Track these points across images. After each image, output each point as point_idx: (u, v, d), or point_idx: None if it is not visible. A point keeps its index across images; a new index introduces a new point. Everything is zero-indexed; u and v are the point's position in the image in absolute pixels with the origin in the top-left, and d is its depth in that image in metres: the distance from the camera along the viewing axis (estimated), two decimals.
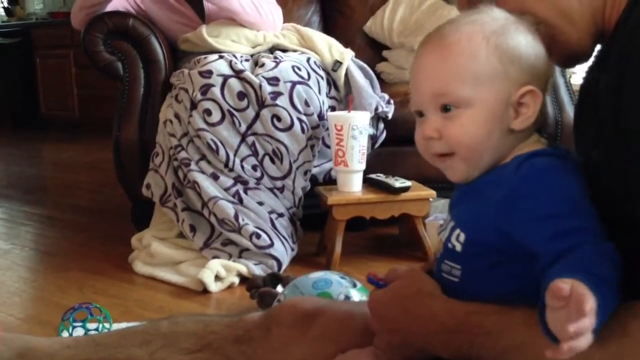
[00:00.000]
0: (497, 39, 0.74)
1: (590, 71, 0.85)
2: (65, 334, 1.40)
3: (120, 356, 1.04)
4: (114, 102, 2.27)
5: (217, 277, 1.81)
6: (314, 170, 2.04)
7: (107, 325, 1.45)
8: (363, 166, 1.94)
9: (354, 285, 1.22)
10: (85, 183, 3.41)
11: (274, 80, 1.93)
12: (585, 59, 0.83)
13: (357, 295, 1.19)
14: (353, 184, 1.94)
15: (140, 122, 2.15)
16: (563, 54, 0.80)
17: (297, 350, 0.95)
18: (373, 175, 1.98)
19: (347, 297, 1.18)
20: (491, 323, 0.73)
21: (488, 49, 0.74)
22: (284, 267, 1.87)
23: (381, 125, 2.13)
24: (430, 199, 1.95)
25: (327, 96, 2.05)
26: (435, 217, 2.03)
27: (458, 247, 0.77)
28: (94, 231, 2.46)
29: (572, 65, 0.85)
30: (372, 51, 2.59)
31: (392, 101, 2.16)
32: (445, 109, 0.75)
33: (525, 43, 0.75)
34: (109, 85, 3.16)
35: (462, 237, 0.76)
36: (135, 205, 2.23)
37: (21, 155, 4.38)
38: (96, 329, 1.42)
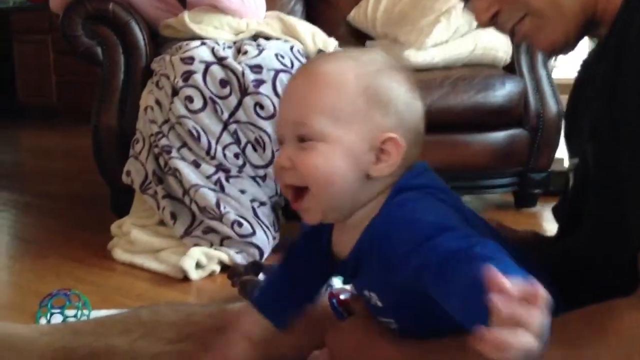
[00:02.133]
0: (369, 80, 0.72)
1: (586, 65, 0.85)
2: (43, 320, 1.38)
3: (99, 344, 1.03)
4: (93, 89, 2.24)
5: (198, 265, 1.80)
6: None
7: (85, 312, 1.43)
8: None
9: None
10: (62, 170, 3.36)
11: (256, 68, 1.92)
12: (570, 49, 0.83)
13: (339, 282, 1.19)
14: None
15: (120, 108, 2.12)
16: (548, 44, 0.80)
17: (279, 342, 0.95)
18: None
19: (329, 285, 1.18)
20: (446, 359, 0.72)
21: (357, 88, 0.71)
22: (265, 255, 1.86)
23: None
24: None
25: None
26: None
27: (379, 304, 0.77)
28: (72, 218, 2.43)
29: (556, 54, 0.85)
30: (356, 41, 2.58)
31: None
32: (302, 139, 0.72)
33: (398, 91, 0.73)
34: (88, 71, 3.12)
35: (375, 297, 0.76)
36: (114, 192, 2.21)
37: None
38: (75, 316, 1.40)
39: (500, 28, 0.83)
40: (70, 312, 1.42)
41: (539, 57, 2.22)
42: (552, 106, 2.24)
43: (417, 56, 2.32)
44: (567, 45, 0.81)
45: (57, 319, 1.39)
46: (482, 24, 0.82)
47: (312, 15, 2.63)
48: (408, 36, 2.37)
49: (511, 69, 2.26)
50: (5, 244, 2.21)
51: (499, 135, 2.20)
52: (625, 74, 0.68)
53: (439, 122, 1.84)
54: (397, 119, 0.72)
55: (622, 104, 0.68)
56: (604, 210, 0.73)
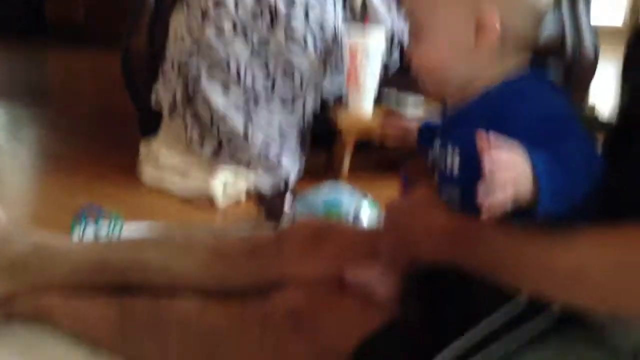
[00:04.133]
0: None
1: None
2: (77, 231, 1.43)
3: (134, 259, 1.07)
4: (121, 10, 2.22)
5: (225, 188, 1.83)
6: (326, 91, 2.03)
7: (118, 225, 1.47)
8: (374, 88, 1.93)
9: (364, 198, 1.23)
10: (90, 90, 3.39)
11: None
12: None
13: (367, 208, 1.21)
14: (364, 106, 1.93)
15: (150, 31, 2.11)
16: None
17: (311, 263, 0.97)
18: (385, 99, 1.97)
19: (357, 217, 1.20)
20: (487, 234, 0.74)
21: None
22: (291, 180, 1.89)
23: (396, 51, 2.10)
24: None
25: (342, 15, 2.01)
26: None
27: (455, 170, 0.78)
28: (100, 137, 2.46)
29: None
30: None
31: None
32: (414, 34, 0.77)
33: None
34: None
35: (457, 157, 0.78)
36: (142, 114, 2.22)
37: (26, 60, 4.32)
38: (109, 227, 1.45)
39: None
40: (103, 224, 1.47)
41: None
42: (589, 45, 2.19)
43: None
44: None
45: (90, 230, 1.44)
46: None
47: None
48: None
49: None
50: (34, 160, 2.26)
51: None
52: None
53: None
54: None
55: None
56: None
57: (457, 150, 0.78)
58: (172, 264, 1.06)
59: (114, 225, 1.45)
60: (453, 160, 0.79)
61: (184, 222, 1.59)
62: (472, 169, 0.75)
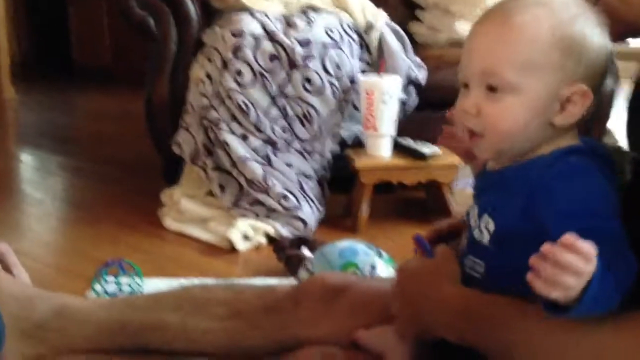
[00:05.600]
0: (564, 29, 0.71)
1: None
2: (98, 287, 1.45)
3: (153, 319, 1.08)
4: (147, 53, 2.26)
5: (245, 237, 1.84)
6: (343, 133, 2.05)
7: (138, 281, 1.49)
8: (392, 131, 1.94)
9: (380, 255, 1.24)
10: (115, 135, 3.44)
11: (306, 42, 1.92)
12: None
13: (383, 265, 1.21)
14: (381, 149, 1.94)
15: (172, 80, 2.16)
16: (617, 32, 0.78)
17: (325, 324, 0.98)
18: (402, 141, 1.98)
19: (373, 267, 1.20)
20: (501, 315, 0.73)
21: (552, 39, 0.71)
22: (311, 229, 1.90)
23: (413, 90, 2.11)
24: (458, 165, 1.95)
25: (359, 59, 2.04)
26: (463, 184, 2.03)
27: (485, 238, 0.76)
28: (124, 184, 2.49)
29: (624, 38, 0.83)
30: (405, 10, 2.55)
31: (424, 66, 2.13)
32: (491, 88, 0.73)
33: (591, 39, 0.72)
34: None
35: (492, 225, 0.76)
36: (165, 161, 2.26)
37: (52, 104, 4.42)
38: (129, 285, 1.47)
39: None
40: (124, 281, 1.49)
41: None
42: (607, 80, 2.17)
43: (468, 27, 2.28)
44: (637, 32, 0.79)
45: (111, 287, 1.46)
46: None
47: None
48: (459, 6, 2.34)
49: None
50: (59, 209, 2.30)
51: None
52: None
53: None
54: (587, 68, 0.72)
55: None
56: None
57: (491, 221, 0.76)
58: (189, 323, 1.06)
59: (135, 282, 1.47)
60: (486, 229, 0.76)
61: (204, 275, 1.60)
62: (504, 245, 0.74)
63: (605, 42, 0.74)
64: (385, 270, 1.21)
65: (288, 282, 1.51)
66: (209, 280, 1.35)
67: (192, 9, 2.15)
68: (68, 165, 2.83)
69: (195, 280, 1.55)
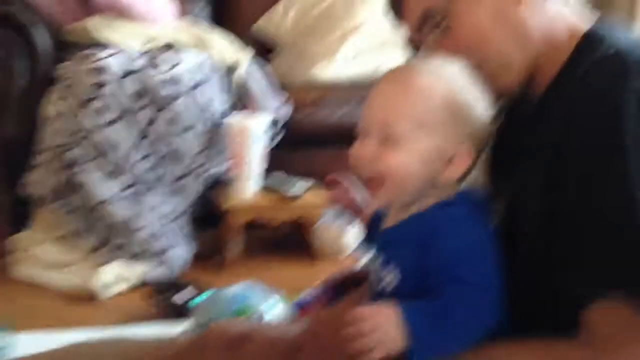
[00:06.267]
0: (453, 96, 0.80)
1: (515, 114, 0.92)
2: None
3: None
4: None
5: (111, 281, 1.76)
6: (212, 172, 2.02)
7: (8, 337, 1.36)
8: (259, 171, 1.96)
9: (271, 297, 1.25)
10: None
11: (171, 82, 1.89)
12: (510, 96, 0.90)
13: (278, 305, 1.22)
14: (249, 189, 1.95)
15: (20, 117, 2.01)
16: (495, 92, 0.87)
17: None
18: (269, 180, 2.00)
19: (266, 309, 1.21)
20: None
21: (442, 103, 0.80)
22: (183, 269, 1.85)
23: (278, 127, 2.15)
24: (323, 206, 2.01)
25: (224, 98, 2.04)
26: (327, 220, 2.08)
27: (392, 287, 0.82)
28: None
29: (498, 99, 0.92)
30: (262, 50, 2.59)
31: (288, 103, 2.19)
32: (387, 138, 0.80)
33: (476, 106, 0.82)
34: None
35: (397, 276, 0.82)
36: (11, 203, 2.09)
37: None
38: (1, 346, 1.33)
39: None
40: None
41: None
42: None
43: (324, 71, 2.38)
44: (504, 96, 0.89)
45: None
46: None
47: (219, 22, 2.60)
48: (315, 49, 2.42)
49: None
50: None
51: None
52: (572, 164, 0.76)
53: (346, 134, 1.91)
54: (471, 131, 0.81)
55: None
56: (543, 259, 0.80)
57: (395, 272, 0.81)
58: None
59: (5, 340, 1.34)
60: (388, 278, 0.82)
61: (69, 325, 1.50)
62: (409, 286, 0.79)
63: (487, 109, 0.84)
64: (278, 311, 1.21)
65: (165, 328, 1.47)
66: (87, 334, 1.27)
67: (44, 42, 2.03)
68: None
69: (67, 333, 1.46)
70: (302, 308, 1.07)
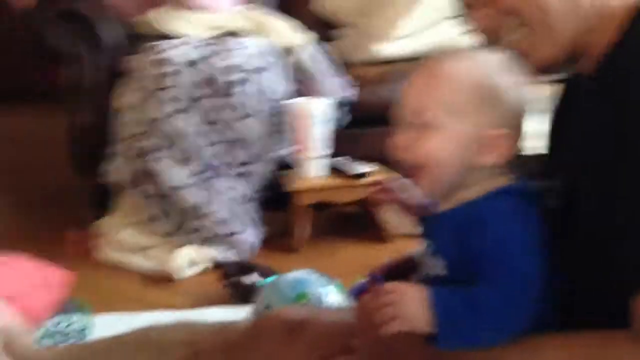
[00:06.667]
0: (485, 80, 0.82)
1: (571, 92, 0.91)
2: (46, 341, 1.40)
3: None
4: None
5: (187, 264, 1.84)
6: (278, 154, 2.07)
7: (86, 319, 1.46)
8: (324, 152, 1.99)
9: (330, 284, 1.28)
10: (32, 160, 3.28)
11: (235, 67, 1.94)
12: (556, 72, 0.89)
13: (334, 294, 1.25)
14: (315, 171, 1.99)
15: (95, 108, 2.11)
16: (538, 62, 0.86)
17: (286, 359, 1.00)
18: (335, 160, 2.03)
19: (325, 297, 1.24)
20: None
21: (473, 86, 0.81)
22: (252, 252, 1.92)
23: (343, 109, 2.17)
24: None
25: (287, 81, 2.07)
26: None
27: (441, 275, 0.84)
28: (47, 216, 2.37)
29: (544, 74, 0.91)
30: (322, 31, 2.59)
31: (352, 84, 2.20)
32: (421, 125, 0.82)
33: (508, 91, 0.82)
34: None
35: (442, 264, 0.83)
36: (93, 190, 2.21)
37: None
38: (77, 324, 1.44)
39: (494, 40, 0.88)
40: (73, 319, 1.45)
41: None
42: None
43: (386, 48, 2.37)
44: (554, 67, 0.87)
45: (60, 327, 1.42)
46: (477, 34, 0.88)
47: (281, 6, 2.63)
48: (376, 27, 2.41)
49: None
50: None
51: None
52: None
53: None
54: (505, 117, 0.82)
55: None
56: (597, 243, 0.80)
57: (441, 260, 0.83)
58: None
59: (83, 321, 1.44)
60: (434, 266, 0.84)
61: (149, 307, 1.59)
62: (457, 274, 0.81)
63: (522, 91, 0.85)
64: (336, 298, 1.25)
65: (237, 311, 1.53)
66: (161, 316, 1.35)
67: (112, 36, 2.12)
68: None
69: (143, 315, 1.55)
70: (359, 294, 1.10)
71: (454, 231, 0.82)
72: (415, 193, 0.97)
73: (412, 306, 0.76)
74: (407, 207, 0.99)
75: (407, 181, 0.90)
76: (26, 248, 2.00)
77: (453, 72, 0.82)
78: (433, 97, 0.82)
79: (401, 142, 0.83)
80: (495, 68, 0.83)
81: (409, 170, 0.84)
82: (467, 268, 0.80)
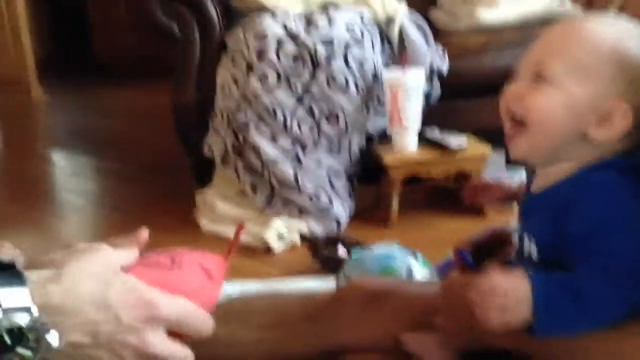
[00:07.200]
0: (625, 49, 0.75)
1: None
2: None
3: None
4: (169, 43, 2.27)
5: (280, 236, 1.89)
6: (370, 128, 2.07)
7: None
8: (418, 125, 1.96)
9: (416, 258, 1.27)
10: (143, 133, 3.44)
11: (328, 41, 1.94)
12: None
13: (419, 268, 1.24)
14: (409, 143, 1.96)
15: (198, 84, 2.19)
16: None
17: (367, 330, 1.00)
18: (428, 133, 2.00)
19: (410, 271, 1.23)
20: None
21: (610, 53, 0.74)
22: (343, 225, 1.93)
23: (436, 81, 2.12)
24: (488, 155, 1.96)
25: (381, 53, 2.05)
26: (494, 173, 2.04)
27: (534, 257, 0.79)
28: (154, 186, 2.50)
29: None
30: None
31: (446, 55, 2.14)
32: (538, 77, 0.76)
33: None
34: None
35: (534, 247, 0.79)
36: (195, 162, 2.30)
37: (78, 102, 4.45)
38: None
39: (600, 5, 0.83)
40: None
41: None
42: None
43: (489, 14, 2.29)
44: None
45: None
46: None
47: None
48: None
49: None
50: (88, 211, 2.34)
51: None
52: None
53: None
54: (629, 91, 0.75)
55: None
56: None
57: (534, 241, 0.79)
58: (236, 334, 1.10)
59: None
60: (528, 245, 0.80)
61: (242, 277, 1.64)
62: (550, 256, 0.77)
63: None
64: (421, 273, 1.24)
65: (324, 282, 1.56)
66: (250, 286, 1.39)
67: (214, 13, 2.18)
68: (93, 166, 2.88)
69: (236, 285, 1.60)
70: (446, 270, 1.08)
71: (549, 213, 0.76)
72: (510, 183, 0.94)
73: (513, 297, 0.72)
74: (506, 198, 0.94)
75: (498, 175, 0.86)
76: (140, 217, 2.15)
77: (587, 32, 0.76)
78: (558, 51, 0.76)
79: (514, 90, 0.78)
80: (633, 37, 0.75)
81: (511, 129, 0.79)
82: (561, 252, 0.75)
